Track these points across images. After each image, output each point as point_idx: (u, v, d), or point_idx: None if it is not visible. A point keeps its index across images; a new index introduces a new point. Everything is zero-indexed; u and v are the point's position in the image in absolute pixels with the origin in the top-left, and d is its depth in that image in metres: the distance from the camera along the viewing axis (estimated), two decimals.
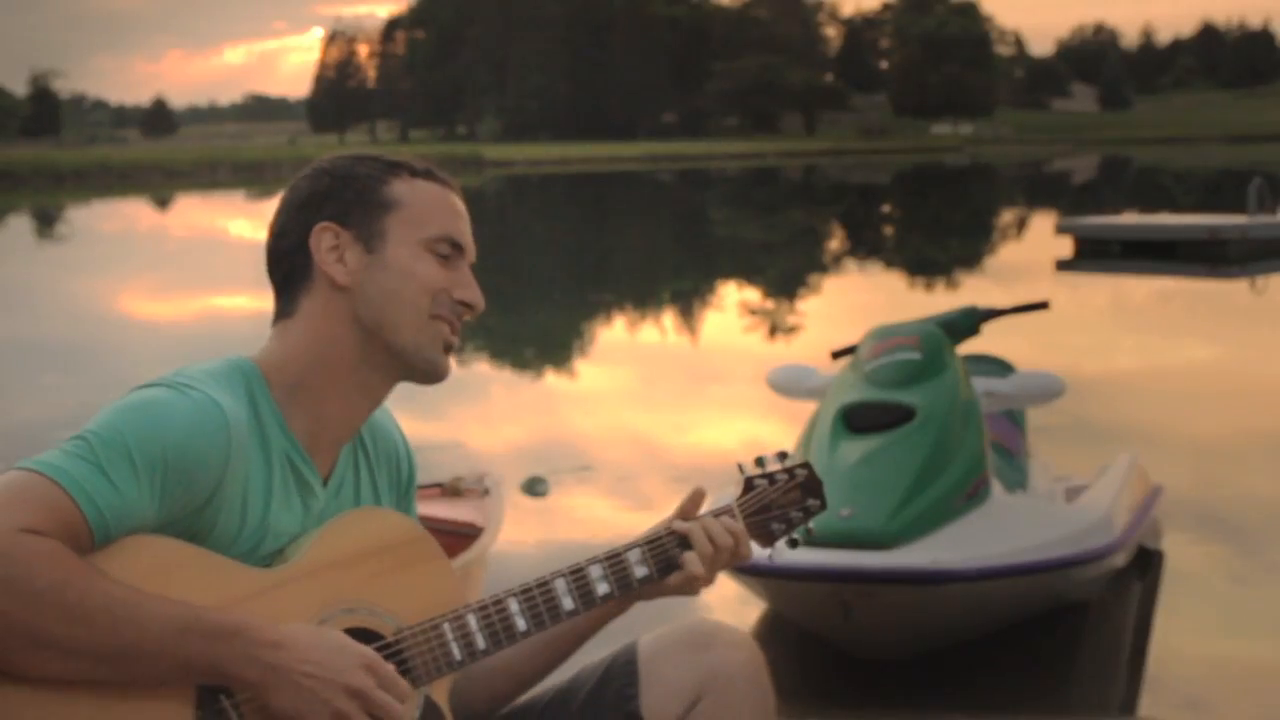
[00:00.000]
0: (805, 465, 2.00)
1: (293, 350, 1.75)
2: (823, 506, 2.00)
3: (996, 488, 4.64)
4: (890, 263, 21.58)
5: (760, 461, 1.99)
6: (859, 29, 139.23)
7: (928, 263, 20.66)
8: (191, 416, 1.61)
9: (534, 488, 6.84)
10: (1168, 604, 5.11)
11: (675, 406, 9.72)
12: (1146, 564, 5.34)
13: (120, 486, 1.55)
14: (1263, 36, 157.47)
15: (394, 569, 1.74)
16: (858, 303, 15.82)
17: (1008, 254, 22.02)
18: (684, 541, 1.88)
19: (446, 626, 1.73)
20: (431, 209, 1.78)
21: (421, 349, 1.76)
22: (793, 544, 1.99)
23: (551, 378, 11.32)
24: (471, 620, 1.74)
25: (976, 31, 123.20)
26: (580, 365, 12.01)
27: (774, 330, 13.75)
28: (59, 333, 13.84)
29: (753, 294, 17.47)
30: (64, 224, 35.41)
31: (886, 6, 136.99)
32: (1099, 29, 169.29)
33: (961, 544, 4.23)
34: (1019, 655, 4.58)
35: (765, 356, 11.79)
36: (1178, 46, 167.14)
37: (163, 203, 43.87)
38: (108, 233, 31.75)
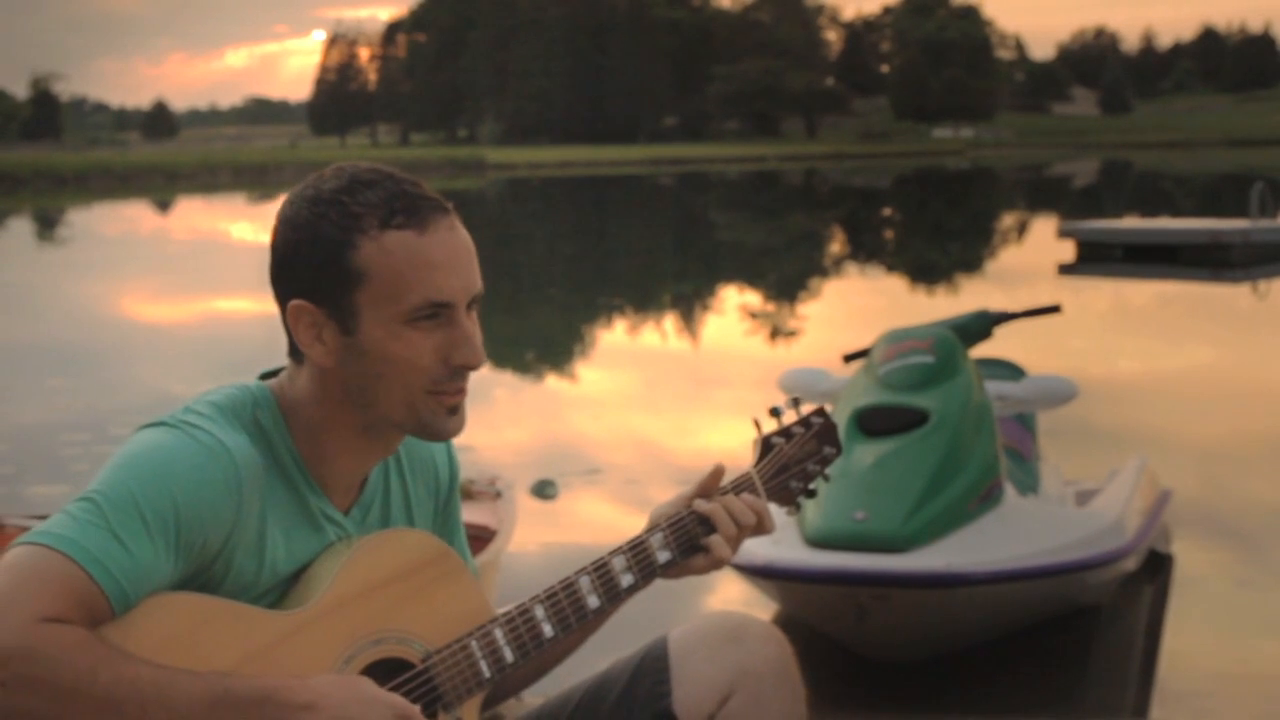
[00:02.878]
0: (820, 412, 1.97)
1: (299, 400, 1.69)
2: (838, 453, 1.96)
3: (1009, 491, 4.64)
4: (891, 266, 21.58)
5: (775, 412, 1.94)
6: (860, 32, 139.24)
7: (929, 267, 20.67)
8: (200, 463, 1.57)
9: (543, 490, 6.85)
10: (1175, 607, 5.11)
11: (679, 410, 9.73)
12: (1157, 568, 5.35)
13: (134, 550, 1.50)
14: (1263, 40, 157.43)
15: (418, 591, 1.70)
16: (859, 306, 15.82)
17: (1010, 258, 22.02)
18: (705, 521, 1.84)
19: (474, 644, 1.70)
20: (404, 273, 1.61)
21: (421, 422, 1.67)
22: (810, 494, 1.95)
23: (553, 381, 11.32)
24: (498, 634, 1.71)
25: (977, 35, 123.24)
26: (582, 369, 12.02)
27: (775, 334, 13.75)
28: (63, 336, 13.84)
29: (754, 298, 17.47)
30: (65, 227, 35.42)
31: (887, 10, 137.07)
32: (1099, 33, 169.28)
33: (976, 547, 4.24)
34: (1031, 658, 4.59)
35: (767, 360, 11.79)
36: (1178, 50, 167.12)
37: (164, 205, 43.88)
38: (109, 235, 31.75)
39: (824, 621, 4.38)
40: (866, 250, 24.90)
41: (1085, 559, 4.46)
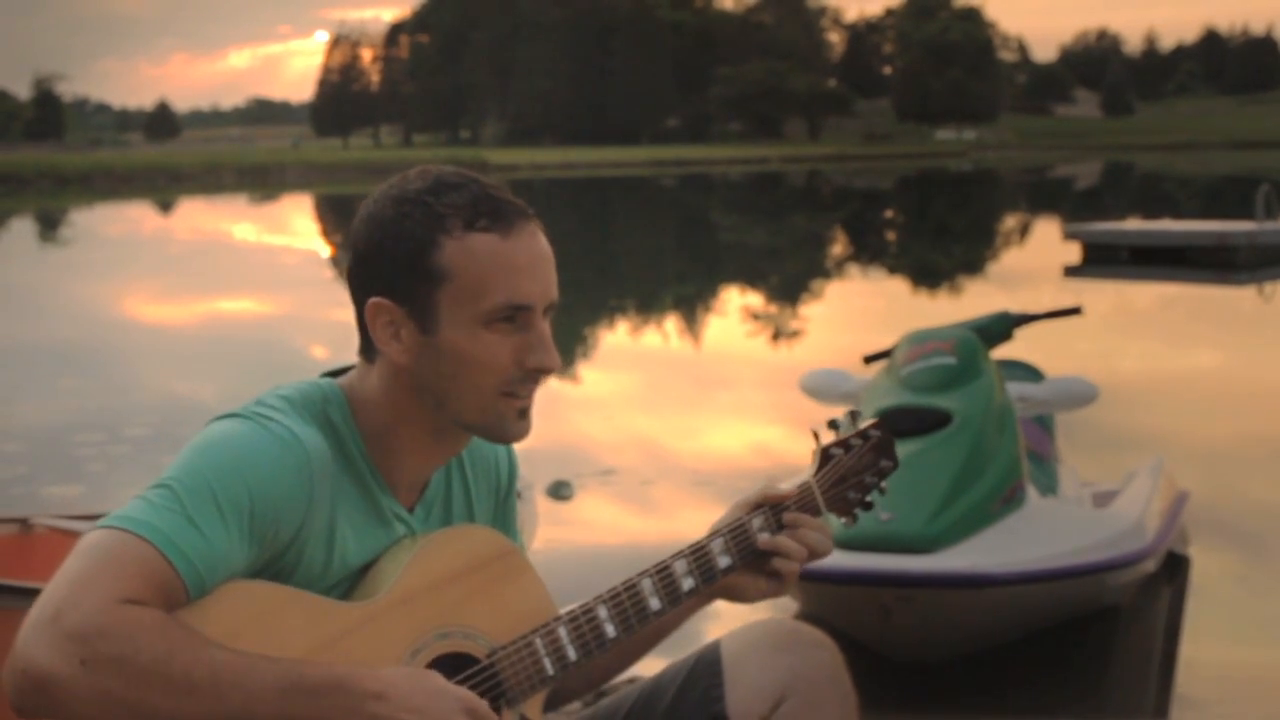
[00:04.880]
0: (878, 425, 1.99)
1: (370, 399, 1.72)
2: (895, 466, 1.98)
3: (1031, 493, 4.67)
4: (893, 268, 21.57)
5: (834, 424, 1.97)
6: (862, 34, 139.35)
7: (931, 268, 20.66)
8: (273, 453, 1.59)
9: (559, 491, 6.83)
10: (1189, 609, 5.10)
11: (682, 411, 9.69)
12: (1175, 569, 5.34)
13: (210, 536, 1.53)
14: (1266, 43, 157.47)
15: (484, 587, 1.73)
16: (861, 308, 15.80)
17: (1014, 260, 22.00)
18: (765, 525, 1.87)
19: (538, 641, 1.72)
20: (486, 274, 1.64)
21: (490, 424, 1.70)
22: (866, 506, 1.96)
23: (555, 382, 11.29)
24: (562, 632, 1.73)
25: (980, 37, 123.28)
26: (584, 370, 11.98)
27: (777, 335, 13.73)
28: (68, 336, 13.83)
29: (756, 299, 17.45)
30: (67, 227, 35.47)
31: (889, 12, 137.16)
32: (1102, 35, 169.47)
33: (1000, 548, 4.26)
34: (1053, 659, 4.60)
35: (769, 361, 11.77)
36: (1181, 52, 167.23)
37: (166, 206, 43.91)
38: (111, 236, 31.77)
39: (848, 622, 4.38)
40: (869, 252, 24.89)
41: (1108, 560, 4.48)
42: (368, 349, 1.72)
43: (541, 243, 1.71)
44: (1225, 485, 6.99)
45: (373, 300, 1.67)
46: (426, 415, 1.70)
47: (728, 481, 7.14)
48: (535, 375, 1.70)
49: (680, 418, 9.44)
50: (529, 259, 1.68)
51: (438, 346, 1.66)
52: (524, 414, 1.72)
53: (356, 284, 1.70)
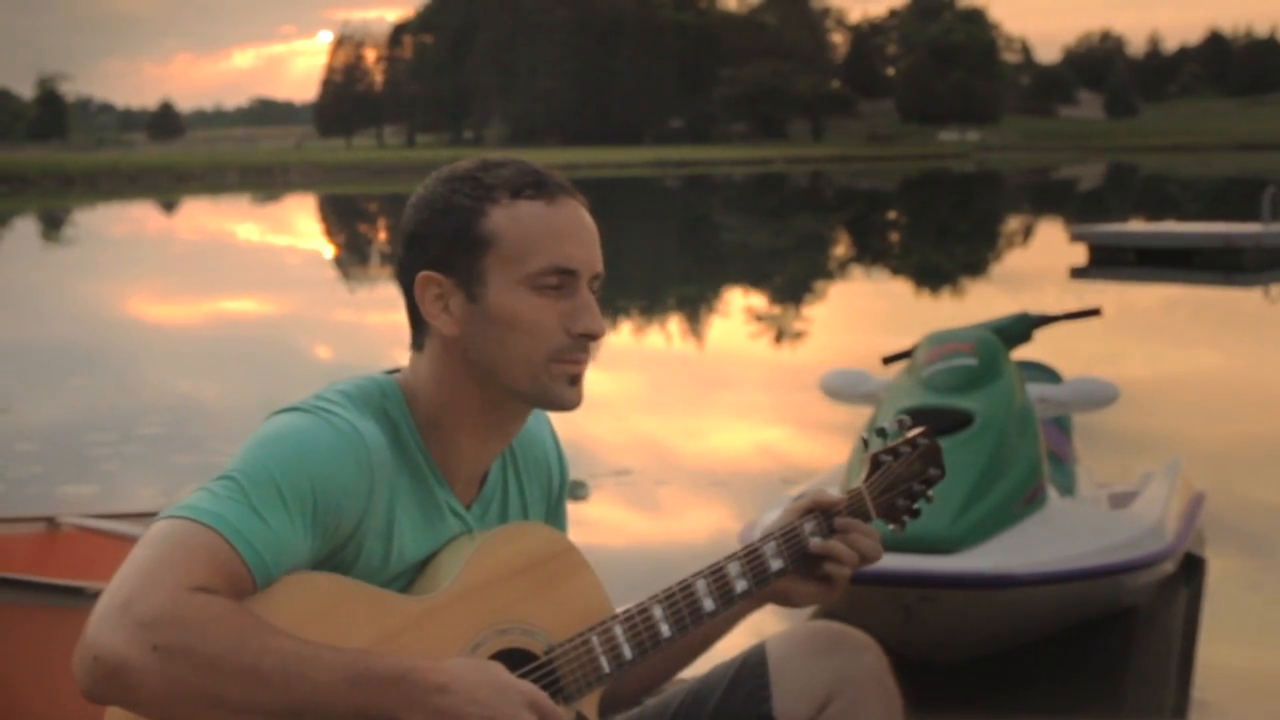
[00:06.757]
0: (926, 434, 2.01)
1: (423, 387, 1.73)
2: (942, 475, 2.00)
3: (1052, 494, 4.68)
4: (897, 270, 21.56)
5: (882, 433, 1.99)
6: (866, 35, 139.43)
7: (934, 270, 20.65)
8: (335, 445, 1.61)
9: (574, 491, 6.81)
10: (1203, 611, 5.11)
11: (690, 412, 9.69)
12: (1192, 570, 5.36)
13: (275, 526, 1.55)
14: (1269, 44, 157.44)
15: (542, 584, 1.75)
16: (864, 309, 15.80)
17: (1020, 261, 21.99)
18: (816, 529, 1.89)
19: (595, 639, 1.74)
20: (533, 237, 1.69)
21: (543, 391, 1.72)
22: (914, 514, 1.98)
23: None
24: (618, 631, 1.75)
25: (983, 38, 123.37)
26: (586, 370, 11.97)
27: (780, 336, 13.73)
28: (75, 336, 13.83)
29: (759, 300, 17.44)
30: (71, 227, 35.46)
31: (893, 13, 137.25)
32: (1106, 36, 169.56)
33: (1023, 549, 4.27)
34: (1071, 660, 4.61)
35: (771, 363, 11.77)
36: (1184, 54, 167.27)
37: (169, 206, 43.93)
38: (115, 236, 31.78)
39: (870, 622, 4.35)
40: (872, 253, 24.89)
41: (1128, 561, 4.49)
42: (418, 336, 1.74)
43: (586, 216, 1.75)
44: (1234, 487, 6.98)
45: (422, 274, 1.70)
46: (478, 390, 1.71)
47: (741, 483, 7.14)
48: (583, 341, 1.72)
49: (687, 419, 9.43)
50: (574, 226, 1.72)
51: (486, 313, 1.68)
52: (575, 381, 1.73)
53: (406, 265, 1.73)
